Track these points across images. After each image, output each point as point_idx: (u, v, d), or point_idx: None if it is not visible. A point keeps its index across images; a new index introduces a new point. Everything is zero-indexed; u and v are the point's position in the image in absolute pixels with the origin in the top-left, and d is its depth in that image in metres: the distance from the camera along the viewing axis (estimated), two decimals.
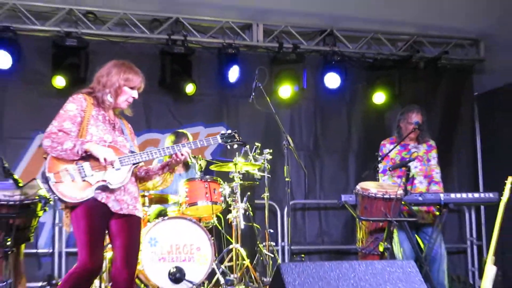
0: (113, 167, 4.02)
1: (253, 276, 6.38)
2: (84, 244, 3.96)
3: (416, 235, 6.45)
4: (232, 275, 6.35)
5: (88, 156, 3.99)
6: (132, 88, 4.27)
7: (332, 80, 8.72)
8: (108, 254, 5.30)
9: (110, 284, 4.47)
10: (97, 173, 4.01)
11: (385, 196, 6.02)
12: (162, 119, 8.18)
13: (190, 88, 8.28)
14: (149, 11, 8.33)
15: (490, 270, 6.52)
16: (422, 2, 8.40)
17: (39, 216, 5.04)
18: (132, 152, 4.21)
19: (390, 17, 8.77)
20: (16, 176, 4.72)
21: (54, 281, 6.69)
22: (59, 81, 7.76)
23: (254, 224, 7.03)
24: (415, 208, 6.34)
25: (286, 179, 6.63)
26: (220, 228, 6.68)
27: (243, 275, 6.36)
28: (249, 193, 6.93)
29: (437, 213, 6.35)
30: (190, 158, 6.80)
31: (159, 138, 7.79)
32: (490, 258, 6.57)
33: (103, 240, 4.17)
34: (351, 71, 8.90)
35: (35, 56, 8.00)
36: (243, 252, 6.42)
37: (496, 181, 7.28)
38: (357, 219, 6.44)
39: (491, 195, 6.47)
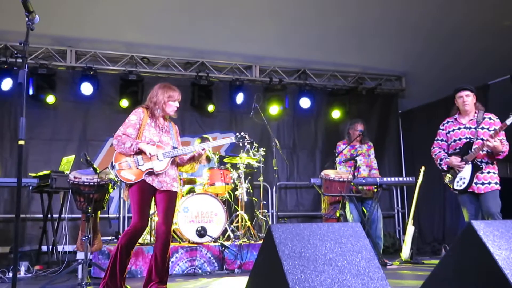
0: (158, 159, 4.04)
1: (252, 233, 6.35)
2: (135, 211, 4.02)
3: (361, 205, 6.42)
4: (238, 232, 6.31)
5: (141, 152, 4.04)
6: (174, 101, 4.28)
7: (305, 102, 8.70)
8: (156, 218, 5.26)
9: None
10: (146, 163, 4.04)
11: (340, 179, 6.01)
12: (192, 128, 8.17)
13: (211, 108, 8.27)
14: (184, 57, 8.31)
15: (410, 229, 6.49)
16: (364, 52, 8.40)
17: (110, 192, 5.01)
18: (174, 147, 4.22)
19: (343, 61, 8.78)
20: (94, 166, 4.68)
21: (119, 236, 6.63)
22: (124, 103, 7.78)
23: (253, 198, 7.03)
24: (360, 187, 6.32)
25: (274, 168, 6.63)
26: (230, 200, 6.65)
27: (246, 232, 6.34)
28: (249, 177, 6.96)
29: (375, 190, 6.34)
30: (210, 153, 6.83)
31: (190, 140, 7.76)
32: (410, 221, 6.55)
33: (149, 209, 4.20)
34: (317, 97, 8.89)
35: (108, 86, 8.00)
36: (245, 216, 6.41)
37: (413, 170, 7.28)
38: (321, 195, 6.42)
39: (410, 179, 6.52)
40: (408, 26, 7.44)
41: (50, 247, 6.41)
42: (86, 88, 7.60)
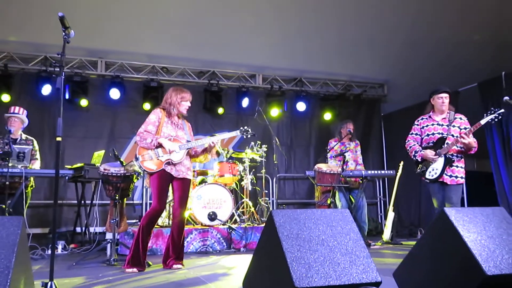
0: (175, 151, 4.09)
1: (255, 217, 6.34)
2: (155, 195, 4.08)
3: (349, 194, 6.40)
4: (243, 216, 6.30)
5: (160, 146, 4.10)
6: (186, 101, 4.34)
7: (301, 106, 8.67)
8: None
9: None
10: (165, 155, 4.10)
11: (331, 172, 6.00)
12: (205, 128, 8.15)
13: (220, 111, 8.25)
14: (197, 67, 8.30)
15: (390, 215, 6.47)
16: (352, 63, 8.38)
17: (134, 182, 5.01)
18: (188, 141, 4.26)
19: (334, 71, 8.75)
20: (121, 159, 4.68)
21: (136, 221, 6.65)
22: (146, 106, 7.75)
23: (256, 187, 7.01)
24: (348, 179, 6.29)
25: (275, 162, 6.63)
26: (237, 189, 6.64)
27: (250, 216, 6.32)
28: (253, 169, 6.93)
29: (361, 181, 6.31)
30: (220, 149, 6.82)
31: (202, 138, 7.74)
32: (390, 208, 6.53)
33: (167, 194, 4.26)
34: (312, 101, 8.84)
35: (133, 92, 7.98)
36: (250, 203, 6.39)
37: (394, 164, 7.25)
38: (315, 185, 6.41)
39: (391, 172, 6.48)
40: (391, 42, 7.43)
41: (83, 228, 6.43)
42: (114, 93, 7.61)
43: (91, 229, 6.45)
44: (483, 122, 4.32)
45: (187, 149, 4.21)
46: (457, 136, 4.47)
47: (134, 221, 6.60)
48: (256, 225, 6.06)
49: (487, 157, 6.99)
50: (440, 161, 4.51)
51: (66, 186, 7.14)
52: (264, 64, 8.44)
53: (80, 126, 7.59)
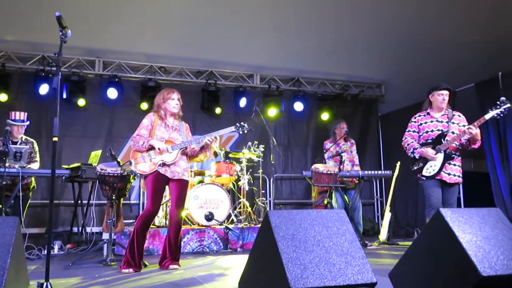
0: (168, 152, 4.09)
1: (252, 217, 6.34)
2: (149, 197, 4.09)
3: (345, 195, 6.40)
4: (240, 217, 6.30)
5: (153, 148, 4.11)
6: (171, 99, 4.29)
7: (298, 106, 8.67)
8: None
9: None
10: (158, 156, 4.11)
11: (328, 172, 6.00)
12: (202, 128, 8.12)
13: (218, 110, 8.24)
14: (195, 67, 8.29)
15: (387, 215, 6.48)
16: (350, 63, 8.38)
17: (131, 182, 5.01)
18: (183, 141, 4.24)
19: (331, 71, 8.75)
20: (118, 159, 4.67)
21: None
22: (144, 106, 7.74)
23: (253, 188, 7.01)
24: (345, 179, 6.29)
25: (272, 162, 6.65)
26: (234, 189, 6.64)
27: (247, 217, 6.32)
28: (250, 169, 6.93)
29: (357, 182, 6.31)
30: (217, 149, 6.81)
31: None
32: (387, 208, 6.53)
33: (161, 196, 4.23)
34: (309, 101, 8.84)
35: (131, 92, 7.98)
36: (247, 203, 6.40)
37: (391, 164, 7.27)
38: (312, 185, 6.40)
39: (388, 172, 6.49)
40: (388, 43, 7.43)
41: (80, 228, 6.42)
42: (112, 93, 7.60)
43: (88, 229, 6.44)
44: (487, 116, 4.18)
45: (180, 149, 4.18)
46: (464, 126, 4.36)
47: (130, 221, 6.59)
48: (253, 225, 6.05)
49: (483, 157, 7.00)
50: (440, 157, 4.40)
51: (63, 186, 7.13)
52: (261, 64, 8.43)
53: (78, 126, 7.58)
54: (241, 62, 8.28)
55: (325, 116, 8.83)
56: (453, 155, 4.42)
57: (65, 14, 3.07)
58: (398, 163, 6.56)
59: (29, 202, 5.50)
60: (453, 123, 4.51)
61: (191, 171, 6.39)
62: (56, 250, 5.80)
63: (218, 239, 5.79)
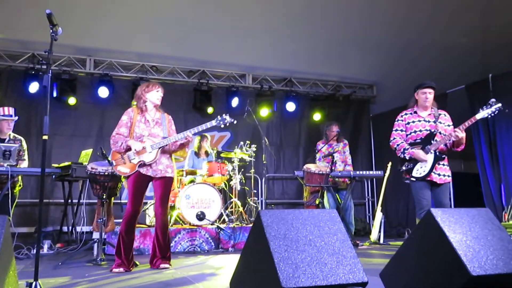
0: (147, 151, 4.02)
1: (244, 217, 6.33)
2: (129, 198, 4.04)
3: (337, 195, 6.42)
4: (232, 216, 6.29)
5: (131, 148, 4.04)
6: (152, 90, 4.18)
7: (290, 106, 8.71)
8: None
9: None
10: (137, 157, 4.03)
11: (319, 172, 6.01)
12: (194, 127, 8.05)
13: (210, 110, 8.22)
14: (187, 66, 8.29)
15: (378, 215, 6.51)
16: (342, 64, 8.44)
17: (122, 181, 4.96)
18: (164, 137, 4.11)
19: (324, 72, 8.81)
20: (109, 158, 4.62)
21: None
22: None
23: (245, 187, 7.02)
24: (336, 179, 6.32)
25: (264, 162, 6.65)
26: (226, 189, 6.63)
27: (239, 216, 6.32)
28: (242, 169, 6.93)
29: (349, 182, 6.33)
30: (209, 148, 6.80)
31: (192, 138, 7.69)
32: (378, 208, 6.57)
33: (142, 196, 4.11)
34: (301, 102, 8.88)
35: (122, 91, 7.95)
36: (238, 203, 6.40)
37: (382, 165, 7.30)
38: (303, 185, 6.42)
39: (379, 172, 6.50)
40: (380, 44, 7.48)
41: (70, 227, 6.37)
42: (103, 92, 7.56)
43: (78, 229, 6.40)
44: (478, 116, 4.16)
45: (160, 147, 4.07)
46: (449, 126, 4.36)
47: (121, 220, 6.54)
48: (244, 225, 6.05)
49: (474, 158, 7.07)
50: (430, 158, 4.33)
51: (53, 185, 7.07)
52: (254, 64, 8.44)
53: (68, 125, 7.53)
54: (234, 62, 8.29)
55: (317, 116, 8.86)
56: (443, 156, 4.38)
57: (56, 12, 3.04)
58: (390, 164, 6.60)
59: (16, 201, 5.43)
60: (440, 122, 4.44)
61: (182, 170, 6.37)
62: (45, 249, 5.76)
63: (209, 238, 5.78)
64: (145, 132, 4.10)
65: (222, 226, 5.82)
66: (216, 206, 6.00)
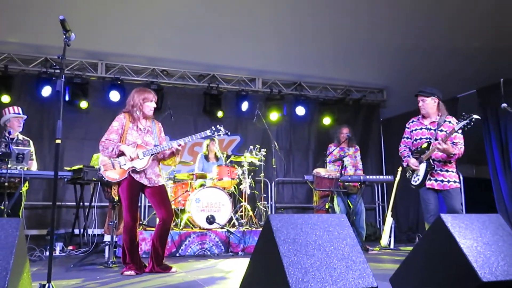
0: (139, 158, 3.97)
1: (254, 221, 6.34)
2: (125, 208, 3.97)
3: (347, 199, 6.40)
4: (242, 220, 6.30)
5: (123, 153, 3.96)
6: (150, 101, 4.15)
7: (300, 111, 8.72)
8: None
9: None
10: (128, 163, 3.97)
11: (329, 177, 6.01)
12: (203, 131, 8.09)
13: (220, 114, 8.25)
14: (198, 70, 8.33)
15: (389, 220, 6.48)
16: (352, 68, 8.43)
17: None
18: (155, 145, 4.09)
19: (333, 76, 8.79)
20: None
21: (141, 222, 6.64)
22: None
23: (255, 191, 7.02)
24: (346, 183, 6.30)
25: (273, 166, 6.66)
26: (235, 193, 6.64)
27: (248, 220, 6.32)
28: (252, 173, 6.93)
29: (359, 186, 6.31)
30: (219, 152, 6.83)
31: (202, 141, 7.71)
32: (389, 213, 6.53)
33: (137, 204, 4.08)
34: (311, 106, 8.88)
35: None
36: (248, 207, 6.40)
37: (392, 169, 7.27)
38: (313, 189, 6.41)
39: (389, 177, 6.49)
40: (390, 48, 7.47)
41: (82, 230, 6.44)
42: (114, 96, 7.63)
43: (90, 231, 6.46)
44: (456, 128, 4.16)
45: (152, 154, 4.04)
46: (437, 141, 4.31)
47: None
48: (254, 229, 6.06)
49: (485, 163, 7.00)
50: (422, 167, 4.40)
51: (65, 188, 7.15)
52: (264, 68, 8.46)
53: (80, 128, 7.61)
54: (243, 66, 8.32)
55: (326, 120, 8.85)
56: (434, 165, 4.34)
57: (68, 17, 3.09)
58: (400, 168, 6.56)
59: (24, 202, 5.49)
60: (441, 130, 4.38)
61: (192, 174, 6.41)
62: (57, 251, 5.82)
63: (219, 242, 5.80)
64: (138, 140, 4.04)
65: (232, 230, 5.83)
66: (226, 209, 6.01)
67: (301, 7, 6.56)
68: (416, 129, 4.58)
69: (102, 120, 7.77)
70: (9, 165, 4.96)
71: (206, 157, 6.91)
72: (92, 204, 6.51)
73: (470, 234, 2.41)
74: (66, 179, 6.09)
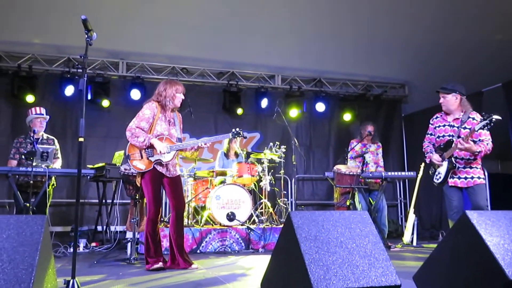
0: (166, 152, 4.04)
1: (274, 218, 6.33)
2: (150, 200, 4.03)
3: (368, 196, 6.33)
4: (262, 217, 6.30)
5: (152, 146, 4.01)
6: (180, 93, 4.21)
7: (320, 107, 8.66)
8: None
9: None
10: (156, 155, 4.03)
11: (350, 173, 5.95)
12: (224, 128, 8.15)
13: (239, 111, 8.27)
14: (217, 68, 8.35)
15: (411, 217, 6.39)
16: (372, 63, 8.32)
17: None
18: (178, 139, 4.18)
19: (354, 71, 8.70)
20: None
21: (162, 219, 6.70)
22: None
23: (275, 188, 7.01)
24: (368, 180, 6.24)
25: (293, 163, 6.65)
26: (255, 190, 6.64)
27: (269, 217, 6.32)
28: (272, 170, 6.91)
29: (381, 183, 6.24)
30: (239, 150, 6.84)
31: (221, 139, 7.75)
32: (411, 210, 6.44)
33: (160, 195, 4.19)
34: (331, 102, 8.81)
35: (154, 92, 8.02)
36: (268, 204, 6.39)
37: (414, 165, 7.16)
38: (334, 186, 6.36)
39: (411, 173, 6.39)
40: (411, 42, 7.34)
41: (104, 227, 6.53)
42: (135, 94, 7.71)
43: (112, 228, 6.55)
44: (477, 128, 4.02)
45: (178, 150, 4.14)
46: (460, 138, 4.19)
47: None
48: (274, 226, 6.05)
49: (511, 158, 6.84)
50: (444, 166, 4.32)
51: (87, 185, 7.27)
52: (283, 65, 8.44)
53: (102, 126, 7.72)
54: (262, 63, 8.31)
55: (347, 116, 8.78)
56: (455, 164, 4.25)
57: (89, 17, 3.14)
58: (422, 165, 6.46)
59: (50, 200, 5.60)
60: (464, 128, 4.27)
61: (212, 171, 6.44)
62: (81, 248, 5.93)
63: (240, 239, 5.81)
64: (165, 132, 4.10)
65: (252, 226, 5.84)
66: (246, 206, 6.03)
67: (318, 3, 6.50)
68: (439, 126, 4.49)
69: (124, 119, 7.81)
70: (34, 163, 5.07)
71: (226, 155, 6.93)
72: (114, 201, 6.61)
73: (497, 231, 2.35)
74: (89, 177, 6.21)
